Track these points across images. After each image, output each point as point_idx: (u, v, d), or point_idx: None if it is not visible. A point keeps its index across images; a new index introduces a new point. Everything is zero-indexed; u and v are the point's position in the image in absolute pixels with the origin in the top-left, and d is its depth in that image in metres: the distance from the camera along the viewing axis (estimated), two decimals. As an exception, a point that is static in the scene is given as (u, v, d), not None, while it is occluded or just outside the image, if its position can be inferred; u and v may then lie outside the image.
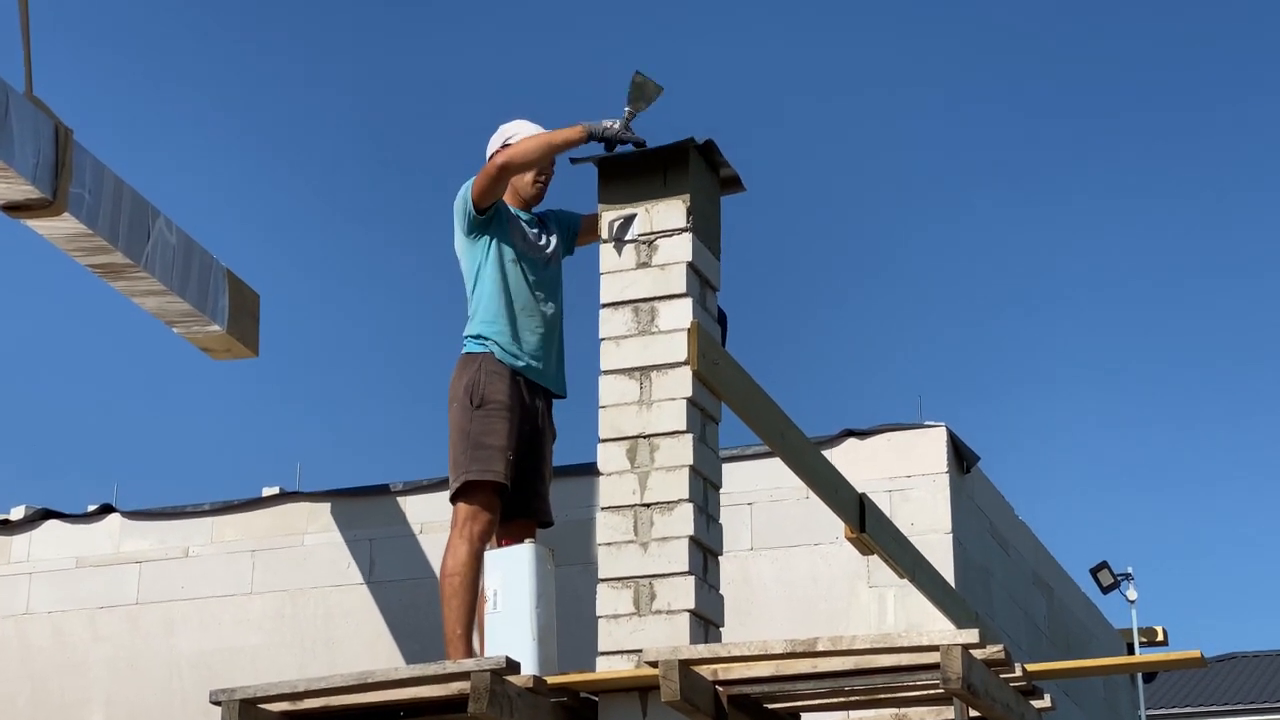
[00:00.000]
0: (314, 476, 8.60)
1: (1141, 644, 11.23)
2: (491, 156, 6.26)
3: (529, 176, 6.25)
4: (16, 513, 8.86)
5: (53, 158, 6.20)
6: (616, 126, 5.73)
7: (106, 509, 8.70)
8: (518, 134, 6.23)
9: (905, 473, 7.62)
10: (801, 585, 7.57)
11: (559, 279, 6.29)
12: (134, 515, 8.62)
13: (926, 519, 7.51)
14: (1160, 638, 11.43)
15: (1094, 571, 11.45)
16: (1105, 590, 11.50)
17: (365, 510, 8.21)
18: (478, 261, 6.18)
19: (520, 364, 6.04)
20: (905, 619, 7.37)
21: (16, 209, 6.23)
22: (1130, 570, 11.74)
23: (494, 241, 6.18)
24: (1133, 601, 11.65)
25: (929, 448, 7.63)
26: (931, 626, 7.09)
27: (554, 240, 6.32)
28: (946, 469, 7.56)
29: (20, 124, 5.92)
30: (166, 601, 8.42)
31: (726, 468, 7.56)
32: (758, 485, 7.65)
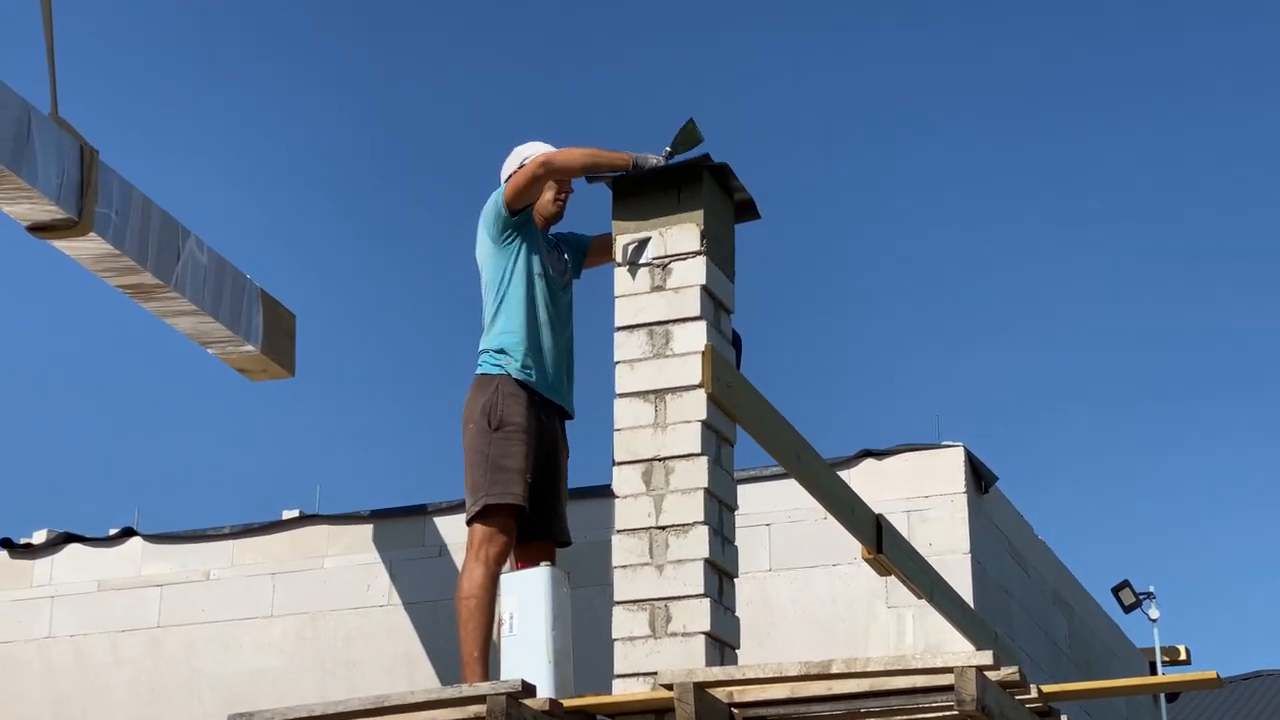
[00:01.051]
0: (333, 499, 8.64)
1: (1164, 663, 11.19)
2: (512, 174, 6.24)
3: (549, 194, 6.22)
4: (38, 536, 8.90)
5: (77, 178, 6.22)
6: (655, 162, 5.72)
7: (128, 532, 8.74)
8: (533, 155, 6.22)
9: (923, 493, 7.62)
10: (820, 606, 7.57)
11: (571, 302, 6.29)
12: (155, 539, 8.66)
13: (945, 539, 7.51)
14: (1183, 657, 11.39)
15: (1116, 590, 11.41)
16: (1127, 609, 11.45)
17: (385, 533, 8.24)
18: (502, 270, 6.10)
19: (536, 379, 6.02)
20: (924, 639, 7.36)
21: (42, 229, 6.24)
22: (1152, 589, 11.70)
23: (521, 250, 6.11)
24: (1155, 620, 11.60)
25: (947, 468, 7.63)
26: (950, 647, 7.08)
27: (567, 263, 6.33)
28: (965, 489, 7.56)
29: (43, 144, 5.95)
30: (188, 624, 8.45)
31: (744, 489, 7.59)
32: (776, 506, 7.66)
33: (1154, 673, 10.91)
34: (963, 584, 7.37)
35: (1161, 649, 11.31)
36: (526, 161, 6.18)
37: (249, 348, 7.29)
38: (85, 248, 6.49)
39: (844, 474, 7.51)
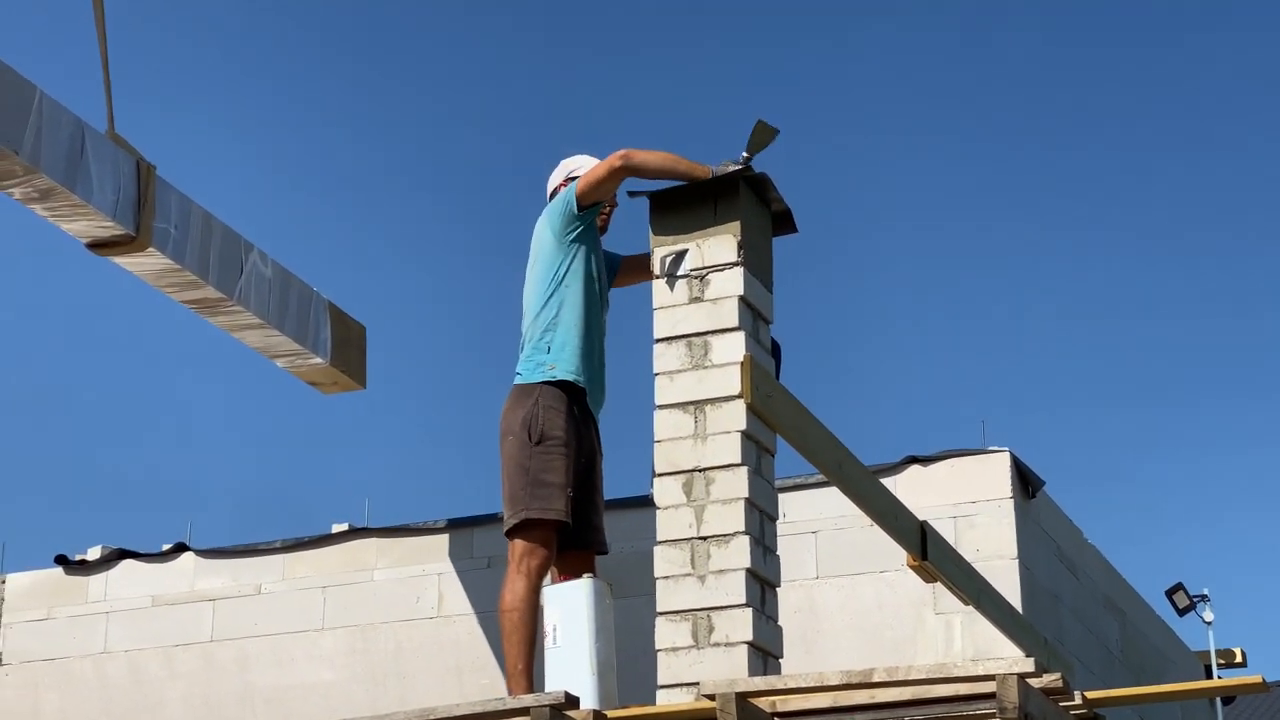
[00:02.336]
0: (382, 512, 8.70)
1: (1219, 666, 11.12)
2: (558, 185, 6.24)
3: None
4: (93, 553, 9.00)
5: (134, 194, 6.27)
6: (731, 170, 5.68)
7: (181, 548, 8.82)
8: (581, 167, 6.22)
9: (970, 499, 7.61)
10: (867, 613, 7.57)
11: (606, 315, 6.30)
12: (207, 554, 8.74)
13: (992, 545, 7.50)
14: (1239, 659, 11.32)
15: (1169, 593, 11.34)
16: (1181, 612, 11.38)
17: (433, 545, 8.29)
18: (559, 266, 6.05)
19: (581, 380, 6.00)
20: (972, 645, 7.35)
21: (102, 246, 6.29)
22: (1206, 592, 11.63)
23: (582, 250, 6.07)
24: (1209, 623, 11.53)
25: (993, 473, 7.61)
26: (999, 653, 7.06)
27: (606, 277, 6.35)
28: (1011, 494, 7.55)
29: (99, 162, 6.01)
30: (240, 638, 8.52)
31: (790, 496, 7.63)
32: (822, 513, 7.66)
33: (1209, 676, 10.84)
34: (1011, 589, 7.35)
35: (1217, 652, 11.23)
36: (576, 172, 6.18)
37: (318, 360, 7.31)
38: (146, 263, 6.52)
39: (890, 480, 7.52)
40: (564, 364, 5.98)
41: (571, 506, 5.93)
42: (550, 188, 6.31)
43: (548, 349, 6.01)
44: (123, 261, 6.36)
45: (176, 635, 8.65)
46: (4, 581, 9.11)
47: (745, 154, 5.67)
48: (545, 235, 6.10)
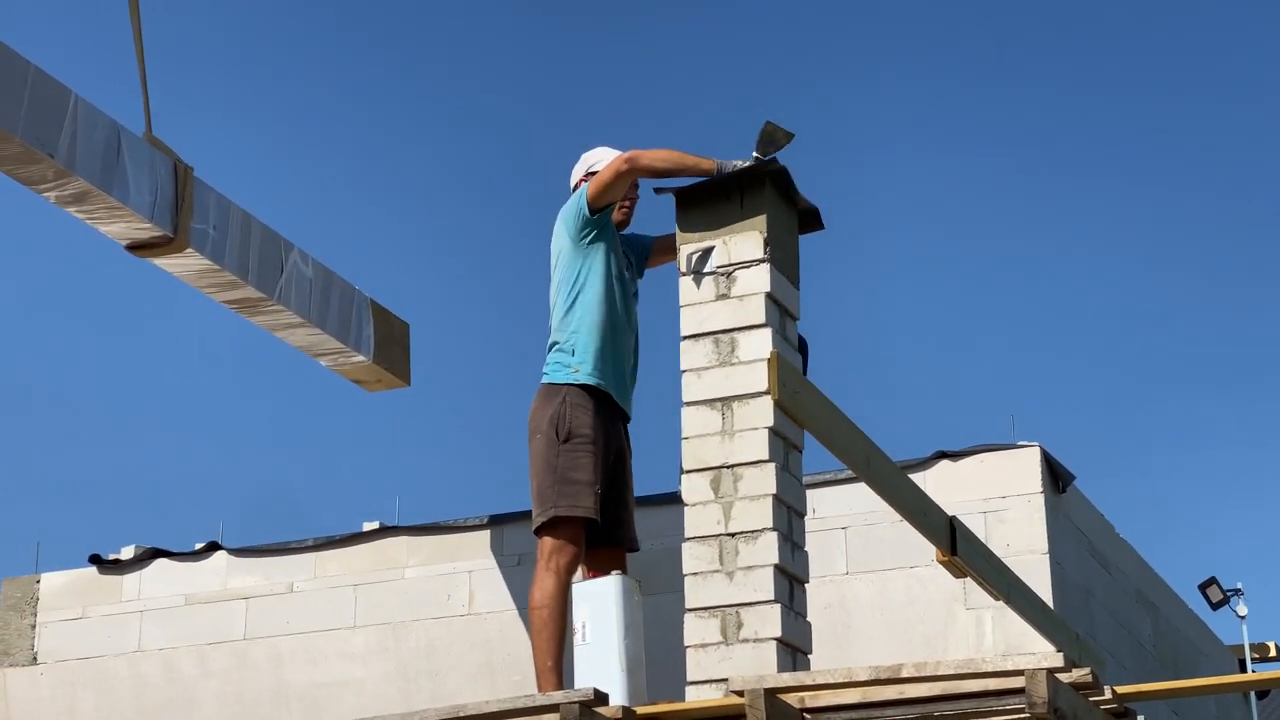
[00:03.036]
0: (412, 510, 8.72)
1: (1254, 660, 11.08)
2: (579, 181, 6.28)
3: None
4: (126, 552, 9.05)
5: (172, 195, 6.29)
6: (741, 166, 5.67)
7: (213, 546, 8.87)
8: (600, 161, 6.24)
9: (1000, 493, 7.59)
10: (898, 608, 7.56)
11: (636, 305, 6.32)
12: (239, 552, 8.78)
13: (1022, 540, 7.48)
14: (1273, 653, 11.28)
15: (1202, 587, 11.30)
16: (1215, 606, 11.33)
17: (463, 543, 8.31)
18: (578, 270, 6.10)
19: (607, 383, 6.05)
20: (1004, 640, 7.34)
21: (140, 248, 6.33)
22: (1240, 586, 11.58)
23: (600, 251, 6.11)
24: (1243, 617, 11.48)
25: (1023, 468, 7.60)
26: (1030, 647, 7.06)
27: (633, 264, 6.36)
28: (1041, 489, 7.53)
29: (135, 164, 6.03)
30: (273, 636, 8.56)
31: (820, 492, 7.63)
32: (852, 509, 7.65)
33: (1244, 670, 10.81)
34: (1042, 584, 7.33)
35: (1251, 646, 11.19)
36: (596, 166, 6.20)
37: (360, 358, 7.35)
38: (186, 264, 6.55)
39: (919, 476, 7.52)
40: (586, 367, 6.03)
41: (600, 504, 5.95)
42: (572, 181, 6.34)
43: (572, 351, 6.06)
44: (162, 263, 6.39)
45: (210, 633, 8.69)
46: (39, 581, 9.17)
47: (756, 154, 5.67)
48: (563, 238, 6.15)
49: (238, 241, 6.53)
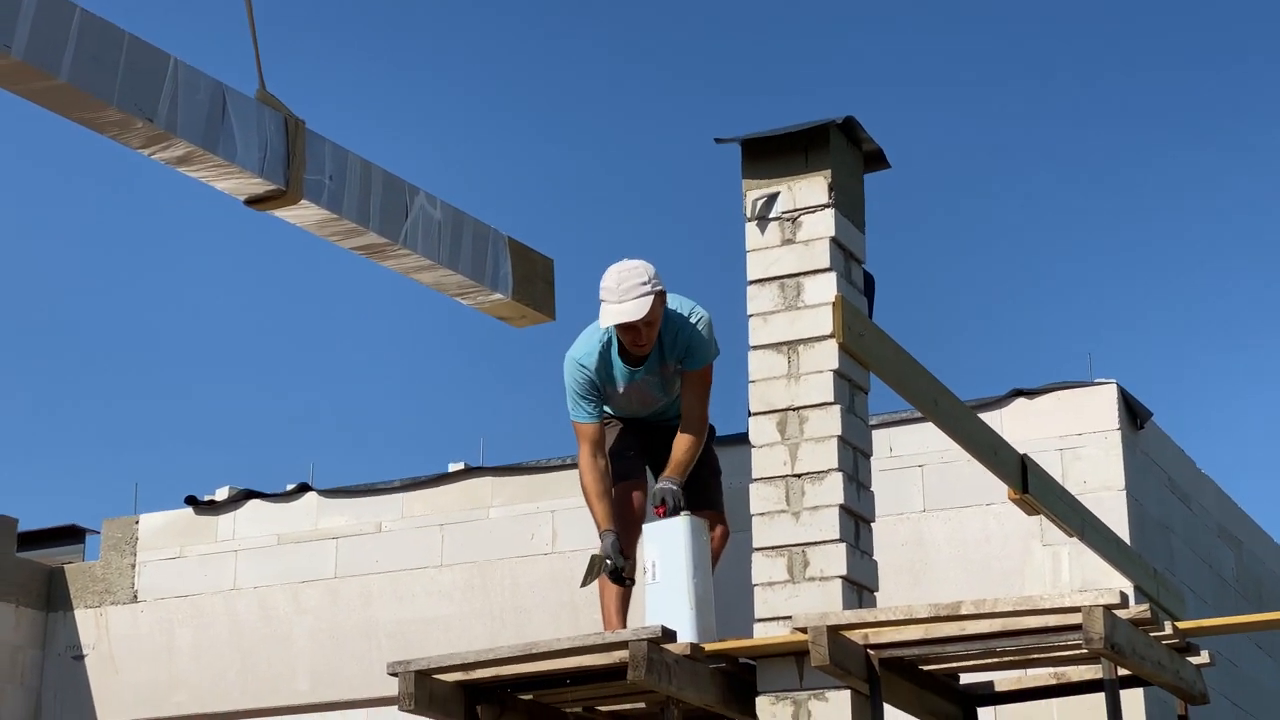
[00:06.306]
0: (496, 451, 8.88)
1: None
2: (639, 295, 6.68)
3: (629, 337, 6.66)
4: (221, 493, 9.29)
5: (283, 150, 6.43)
6: (594, 560, 6.62)
7: (304, 488, 9.08)
8: (604, 288, 6.64)
9: (1076, 431, 7.63)
10: (975, 545, 7.63)
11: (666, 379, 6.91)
12: (329, 493, 8.99)
13: (1099, 477, 7.52)
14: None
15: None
16: (1304, 540, 11.27)
17: (546, 483, 8.46)
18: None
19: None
20: (1080, 576, 7.39)
21: (257, 202, 6.53)
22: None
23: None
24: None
25: (1099, 405, 7.63)
26: (1106, 583, 7.10)
27: (665, 359, 6.86)
28: (1118, 426, 7.56)
29: (241, 122, 6.16)
30: (363, 575, 8.77)
31: (896, 431, 7.70)
32: (928, 448, 7.71)
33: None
34: (1119, 521, 7.37)
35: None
36: (602, 298, 6.63)
37: (498, 296, 7.53)
38: (305, 215, 6.68)
39: (995, 414, 7.57)
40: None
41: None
42: (645, 288, 6.63)
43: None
44: (282, 214, 6.56)
45: (302, 572, 8.92)
46: (138, 522, 9.43)
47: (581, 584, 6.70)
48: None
49: (356, 189, 6.68)
